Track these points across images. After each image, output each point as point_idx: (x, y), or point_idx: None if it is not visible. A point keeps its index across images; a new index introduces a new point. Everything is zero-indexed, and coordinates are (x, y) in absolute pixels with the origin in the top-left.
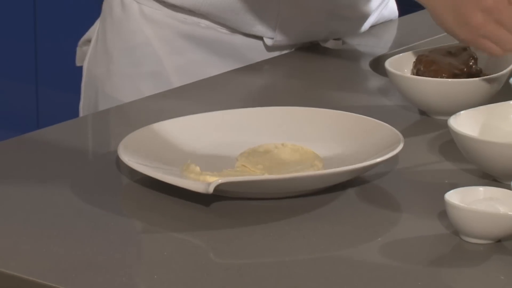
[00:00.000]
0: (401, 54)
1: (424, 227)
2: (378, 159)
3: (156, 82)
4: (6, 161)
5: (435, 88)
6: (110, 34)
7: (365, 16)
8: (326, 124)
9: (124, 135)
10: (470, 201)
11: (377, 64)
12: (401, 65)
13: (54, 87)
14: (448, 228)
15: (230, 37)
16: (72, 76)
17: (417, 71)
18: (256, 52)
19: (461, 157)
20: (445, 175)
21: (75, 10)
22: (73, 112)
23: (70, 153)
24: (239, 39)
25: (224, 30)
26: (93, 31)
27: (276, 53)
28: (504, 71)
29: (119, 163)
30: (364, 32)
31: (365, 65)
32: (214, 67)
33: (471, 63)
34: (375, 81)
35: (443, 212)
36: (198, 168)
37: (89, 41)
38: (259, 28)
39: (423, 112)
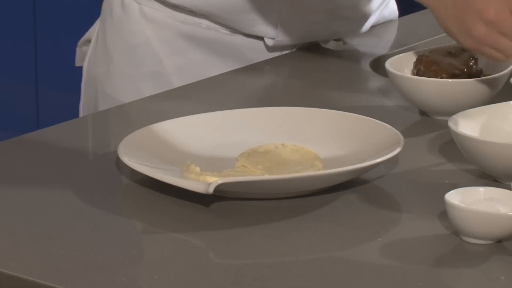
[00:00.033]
0: (401, 55)
1: (424, 227)
2: (378, 160)
3: (156, 83)
4: (6, 161)
5: (436, 88)
6: (110, 34)
7: (365, 16)
8: (326, 124)
9: (124, 135)
10: (470, 201)
11: (378, 65)
12: (401, 65)
13: (54, 87)
14: (448, 228)
15: (231, 38)
16: (72, 76)
17: (417, 72)
18: (257, 53)
19: (461, 158)
20: (445, 176)
21: (75, 10)
22: (73, 112)
23: (70, 154)
24: (239, 39)
25: (224, 31)
26: (93, 31)
27: (276, 54)
28: (504, 72)
29: (119, 163)
30: (365, 33)
31: (366, 65)
32: (215, 67)
33: (471, 64)
34: (376, 81)
35: (443, 213)
36: (198, 169)
37: (88, 41)
38: (260, 28)
39: (423, 113)
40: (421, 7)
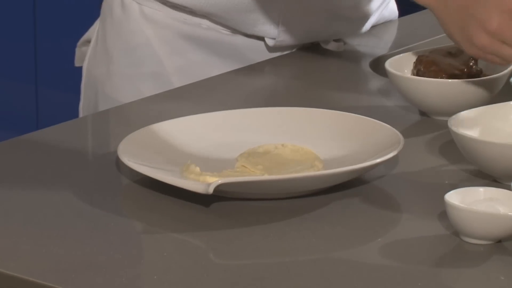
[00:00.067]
0: (401, 55)
1: (424, 227)
2: (378, 160)
3: (157, 83)
4: (5, 162)
5: (435, 88)
6: (110, 35)
7: (366, 17)
8: (326, 124)
9: (124, 135)
10: (470, 201)
11: (377, 65)
12: (401, 65)
13: (53, 88)
14: (448, 228)
15: (231, 38)
16: (72, 77)
17: (417, 72)
18: (257, 53)
19: (461, 158)
20: (445, 176)
21: (75, 10)
22: (73, 113)
23: (70, 154)
24: (240, 39)
25: (225, 31)
26: (93, 32)
27: (276, 54)
28: (504, 72)
29: (119, 164)
30: (364, 33)
31: (365, 65)
32: (215, 67)
33: (471, 64)
34: (375, 81)
35: (443, 213)
36: (198, 169)
37: (88, 41)
38: (261, 28)
39: (423, 113)
40: (421, 8)
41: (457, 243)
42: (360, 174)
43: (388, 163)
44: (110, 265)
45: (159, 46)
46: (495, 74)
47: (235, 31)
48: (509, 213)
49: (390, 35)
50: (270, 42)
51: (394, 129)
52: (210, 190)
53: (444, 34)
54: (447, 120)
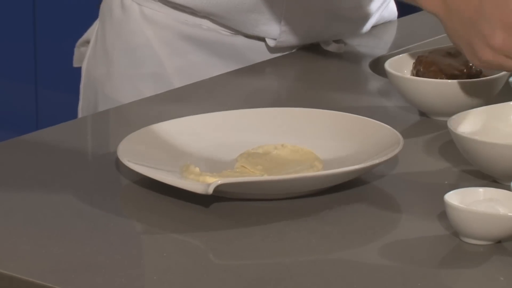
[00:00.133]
0: (400, 55)
1: (423, 228)
2: (378, 160)
3: (157, 84)
4: (5, 162)
5: (435, 89)
6: (110, 35)
7: (367, 17)
8: (326, 125)
9: (124, 136)
10: (470, 202)
11: (377, 65)
12: (401, 66)
13: (53, 88)
14: (447, 229)
15: (232, 39)
16: (72, 77)
17: (416, 72)
18: (258, 54)
19: (460, 158)
20: (444, 176)
21: (75, 10)
22: (73, 113)
23: (69, 154)
24: (240, 40)
25: (225, 32)
26: (92, 32)
27: (277, 55)
28: (504, 72)
29: (118, 164)
30: (364, 33)
31: (365, 66)
32: (215, 68)
33: (471, 64)
34: (375, 82)
35: (442, 213)
36: (197, 169)
37: (87, 42)
38: (262, 28)
39: (422, 113)
40: (420, 8)
41: (457, 244)
42: (360, 174)
43: (388, 164)
44: (110, 265)
45: (159, 46)
46: (495, 74)
47: (235, 31)
48: (509, 214)
49: (389, 35)
50: (271, 43)
51: (393, 129)
52: (210, 191)
53: (444, 35)
54: (446, 121)
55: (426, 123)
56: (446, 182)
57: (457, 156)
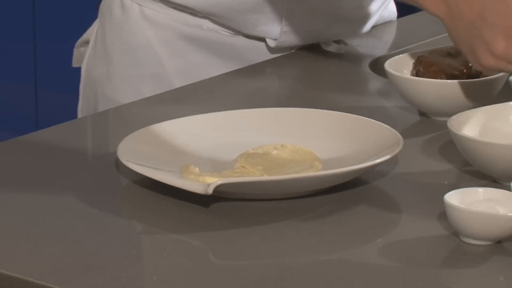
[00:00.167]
0: (400, 55)
1: (423, 228)
2: (378, 160)
3: (157, 84)
4: (5, 162)
5: (435, 89)
6: (109, 36)
7: (367, 17)
8: (326, 125)
9: (123, 136)
10: (470, 202)
11: (377, 65)
12: (401, 66)
13: (53, 88)
14: (447, 229)
15: (232, 39)
16: (71, 77)
17: (416, 72)
18: (258, 54)
19: (460, 158)
20: (444, 176)
21: (75, 11)
22: (72, 113)
23: (69, 154)
24: (241, 40)
25: (225, 32)
26: (91, 33)
27: (277, 55)
28: (503, 72)
29: (118, 164)
30: (364, 33)
31: (365, 66)
32: (215, 69)
33: (470, 64)
34: (375, 82)
35: (442, 213)
36: (197, 169)
37: (87, 42)
38: (263, 29)
39: (422, 113)
40: (420, 9)
41: (457, 244)
42: (360, 174)
43: (388, 164)
44: (110, 265)
45: (159, 47)
46: (495, 74)
47: (236, 32)
48: (509, 214)
49: (389, 35)
50: (271, 43)
51: (393, 129)
52: (210, 191)
53: (443, 35)
54: (446, 121)
55: (426, 123)
56: (446, 182)
57: (457, 156)
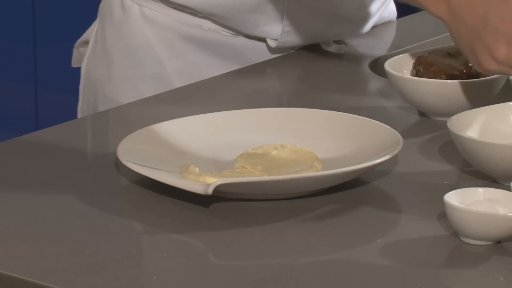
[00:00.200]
0: (400, 55)
1: (423, 228)
2: (378, 160)
3: (158, 85)
4: (4, 162)
5: (435, 89)
6: (109, 36)
7: (368, 17)
8: (326, 125)
9: (123, 136)
10: (470, 202)
11: (377, 65)
12: (401, 66)
13: (53, 89)
14: (447, 229)
15: (232, 39)
16: (71, 78)
17: (416, 72)
18: (258, 54)
19: (460, 159)
20: (444, 176)
21: (74, 11)
22: (72, 113)
23: (69, 154)
24: (241, 41)
25: (226, 32)
26: (91, 33)
27: (277, 55)
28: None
29: (118, 164)
30: (364, 33)
31: (365, 66)
32: (216, 69)
33: (470, 64)
34: (375, 82)
35: (442, 213)
36: (197, 169)
37: (86, 42)
38: (263, 29)
39: (422, 113)
40: (419, 8)
41: (457, 244)
42: (360, 174)
43: (388, 164)
44: (110, 265)
45: (159, 47)
46: (494, 75)
47: (236, 32)
48: (509, 214)
49: (389, 35)
50: (272, 43)
51: (393, 129)
52: (210, 191)
53: (443, 35)
54: (446, 121)
55: (425, 123)
56: (446, 182)
57: (457, 156)
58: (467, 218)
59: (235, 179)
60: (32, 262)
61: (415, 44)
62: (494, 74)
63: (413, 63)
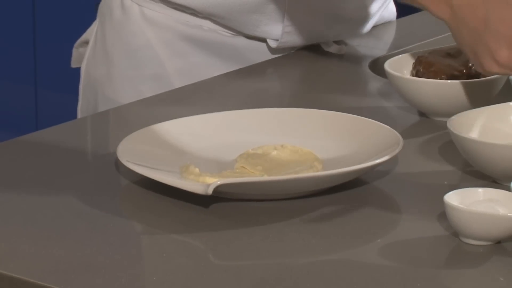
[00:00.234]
0: (400, 56)
1: (423, 228)
2: (378, 161)
3: (158, 85)
4: (4, 163)
5: (435, 89)
6: (110, 37)
7: (368, 17)
8: (326, 125)
9: (123, 136)
10: (470, 202)
11: (377, 66)
12: (401, 66)
13: (53, 89)
14: (447, 229)
15: (233, 40)
16: (71, 78)
17: (416, 73)
18: (259, 54)
19: (460, 159)
20: (444, 177)
21: (74, 11)
22: (72, 114)
23: (69, 155)
24: (241, 41)
25: (226, 33)
26: (91, 33)
27: (277, 55)
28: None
29: (118, 165)
30: (364, 34)
31: (365, 66)
32: (216, 69)
33: (470, 65)
34: (375, 82)
35: (442, 214)
36: (197, 170)
37: (86, 42)
38: (264, 29)
39: (422, 114)
40: (419, 9)
41: (457, 244)
42: (360, 174)
43: (388, 164)
44: (110, 266)
45: (160, 48)
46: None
47: (236, 32)
48: (509, 214)
49: (389, 36)
50: (273, 44)
51: (393, 130)
52: (210, 191)
53: (443, 35)
54: (446, 121)
55: (425, 124)
56: (445, 183)
57: (456, 156)
58: (467, 218)
59: (235, 179)
60: (32, 262)
61: (415, 44)
62: (496, 75)
63: (413, 63)
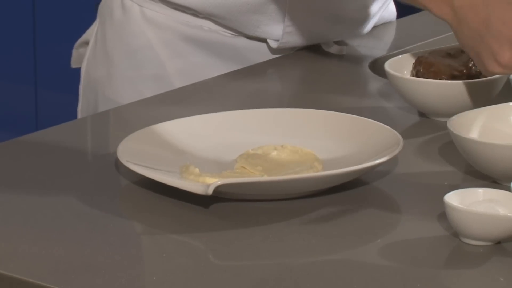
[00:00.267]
0: (400, 56)
1: (423, 229)
2: (378, 161)
3: (158, 86)
4: (5, 163)
5: (435, 89)
6: (110, 37)
7: (369, 18)
8: (326, 125)
9: (123, 136)
10: (470, 202)
11: (377, 66)
12: (401, 66)
13: (53, 89)
14: (447, 229)
15: (233, 40)
16: (71, 78)
17: (416, 73)
18: (259, 55)
19: (460, 159)
20: (444, 177)
21: (74, 11)
22: (72, 114)
23: (69, 155)
24: (242, 41)
25: (227, 33)
26: (91, 33)
27: (278, 56)
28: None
29: (118, 165)
30: (364, 34)
31: (365, 66)
32: (216, 70)
33: (470, 65)
34: (375, 82)
35: (442, 214)
36: (197, 170)
37: (86, 43)
38: (265, 29)
39: (422, 114)
40: (419, 9)
41: (457, 244)
42: (360, 175)
43: (388, 164)
44: (110, 266)
45: (160, 48)
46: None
47: (237, 33)
48: (509, 214)
49: (389, 36)
50: (273, 44)
51: (393, 130)
52: (210, 191)
53: (444, 35)
54: (446, 121)
55: (426, 124)
56: (445, 183)
57: (456, 156)
58: (467, 219)
59: (235, 179)
60: (32, 262)
61: (415, 45)
62: (496, 75)
63: (413, 63)
